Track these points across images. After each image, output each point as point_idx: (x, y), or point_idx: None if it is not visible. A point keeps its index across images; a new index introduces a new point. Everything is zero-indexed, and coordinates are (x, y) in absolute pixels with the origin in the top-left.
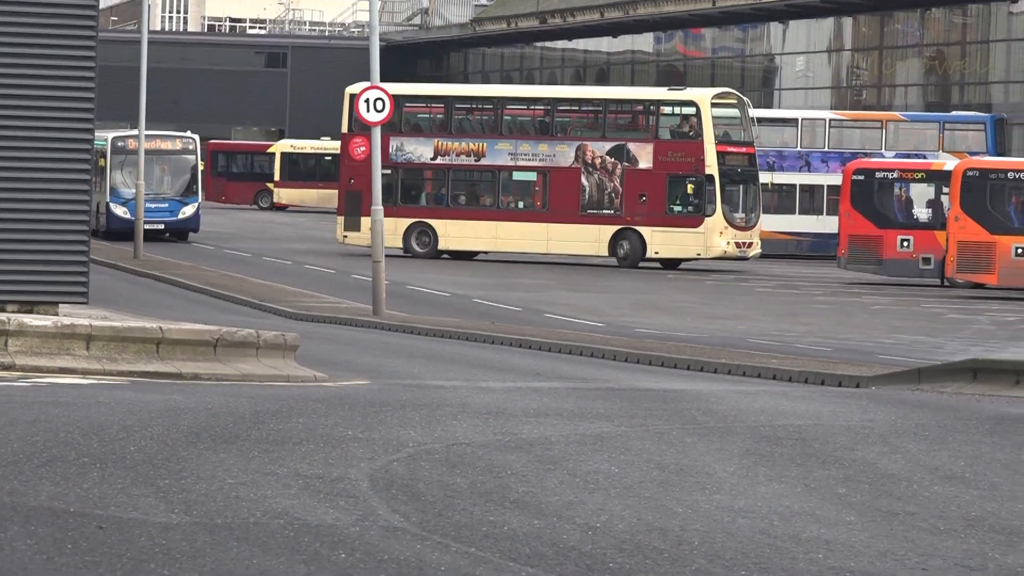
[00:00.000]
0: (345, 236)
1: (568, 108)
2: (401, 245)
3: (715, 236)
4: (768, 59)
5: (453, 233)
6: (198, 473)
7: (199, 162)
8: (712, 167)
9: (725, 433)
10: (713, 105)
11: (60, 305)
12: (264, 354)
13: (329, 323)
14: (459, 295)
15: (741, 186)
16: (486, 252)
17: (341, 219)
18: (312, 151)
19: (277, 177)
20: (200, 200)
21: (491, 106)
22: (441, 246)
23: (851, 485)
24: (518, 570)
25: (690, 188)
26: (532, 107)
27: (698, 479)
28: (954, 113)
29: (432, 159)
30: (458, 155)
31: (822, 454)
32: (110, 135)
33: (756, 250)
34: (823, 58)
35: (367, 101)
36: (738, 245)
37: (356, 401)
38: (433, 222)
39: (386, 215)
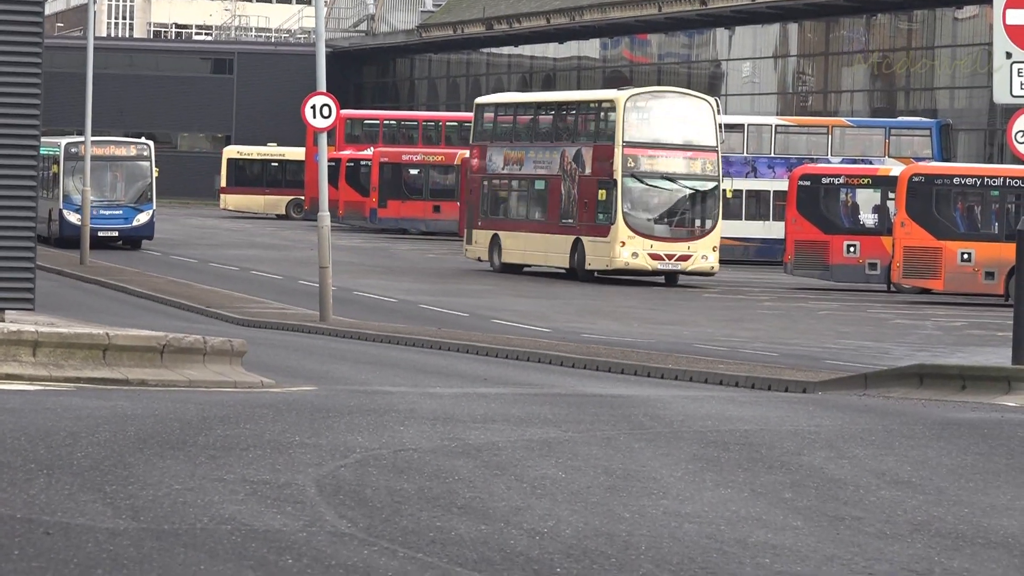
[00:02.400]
0: (466, 249)
1: (561, 112)
2: (487, 258)
3: (616, 246)
4: (714, 65)
5: (508, 246)
6: (145, 479)
7: (154, 168)
8: (617, 171)
9: (672, 438)
10: (640, 108)
11: (6, 311)
12: (211, 360)
13: (276, 329)
14: (406, 301)
15: (682, 192)
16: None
17: (466, 232)
18: (259, 157)
19: (223, 183)
20: (155, 207)
21: (531, 113)
22: (504, 259)
23: (798, 490)
24: (465, 575)
25: (602, 194)
26: (545, 112)
27: (645, 484)
28: (900, 119)
29: (502, 169)
30: (512, 164)
31: (769, 459)
32: (63, 141)
33: (701, 263)
34: (769, 64)
35: (313, 107)
36: (658, 257)
37: (303, 407)
38: (500, 234)
39: (482, 227)
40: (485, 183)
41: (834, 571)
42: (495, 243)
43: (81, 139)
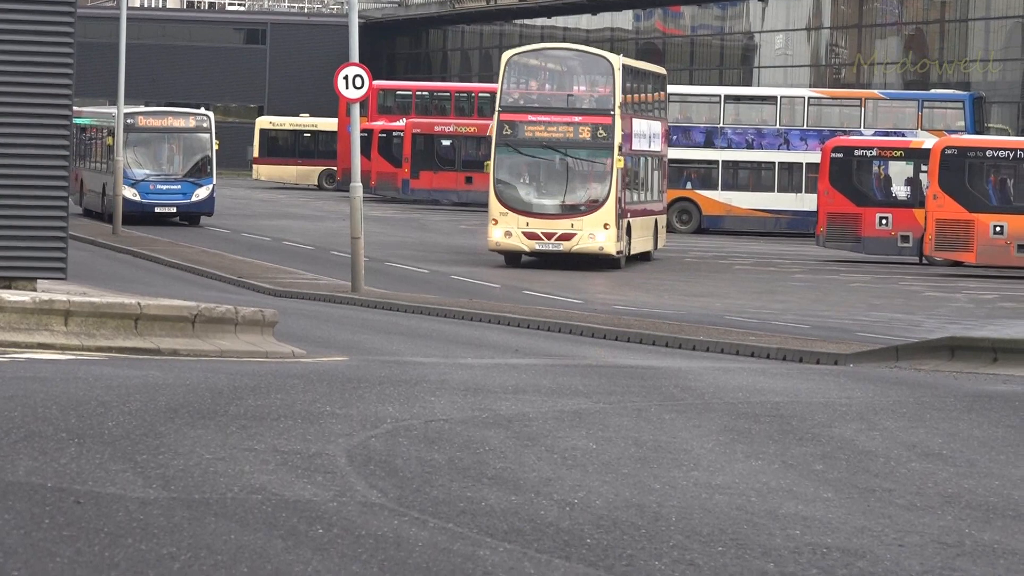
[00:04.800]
0: None
1: None
2: None
3: (489, 224)
4: (747, 37)
5: None
6: (176, 448)
7: (213, 141)
8: (492, 140)
9: (703, 410)
10: (524, 68)
11: (38, 281)
12: (242, 330)
13: (307, 299)
14: (437, 272)
15: (564, 162)
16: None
17: None
18: (291, 128)
19: (256, 154)
20: (215, 181)
21: None
22: None
23: (828, 462)
24: (495, 546)
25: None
26: None
27: (676, 456)
28: (933, 91)
29: None
30: None
31: (800, 431)
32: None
33: (588, 243)
34: (802, 36)
35: (346, 78)
36: (534, 236)
37: (334, 377)
38: None
39: None
40: None
41: (864, 542)
42: None
43: (138, 109)
